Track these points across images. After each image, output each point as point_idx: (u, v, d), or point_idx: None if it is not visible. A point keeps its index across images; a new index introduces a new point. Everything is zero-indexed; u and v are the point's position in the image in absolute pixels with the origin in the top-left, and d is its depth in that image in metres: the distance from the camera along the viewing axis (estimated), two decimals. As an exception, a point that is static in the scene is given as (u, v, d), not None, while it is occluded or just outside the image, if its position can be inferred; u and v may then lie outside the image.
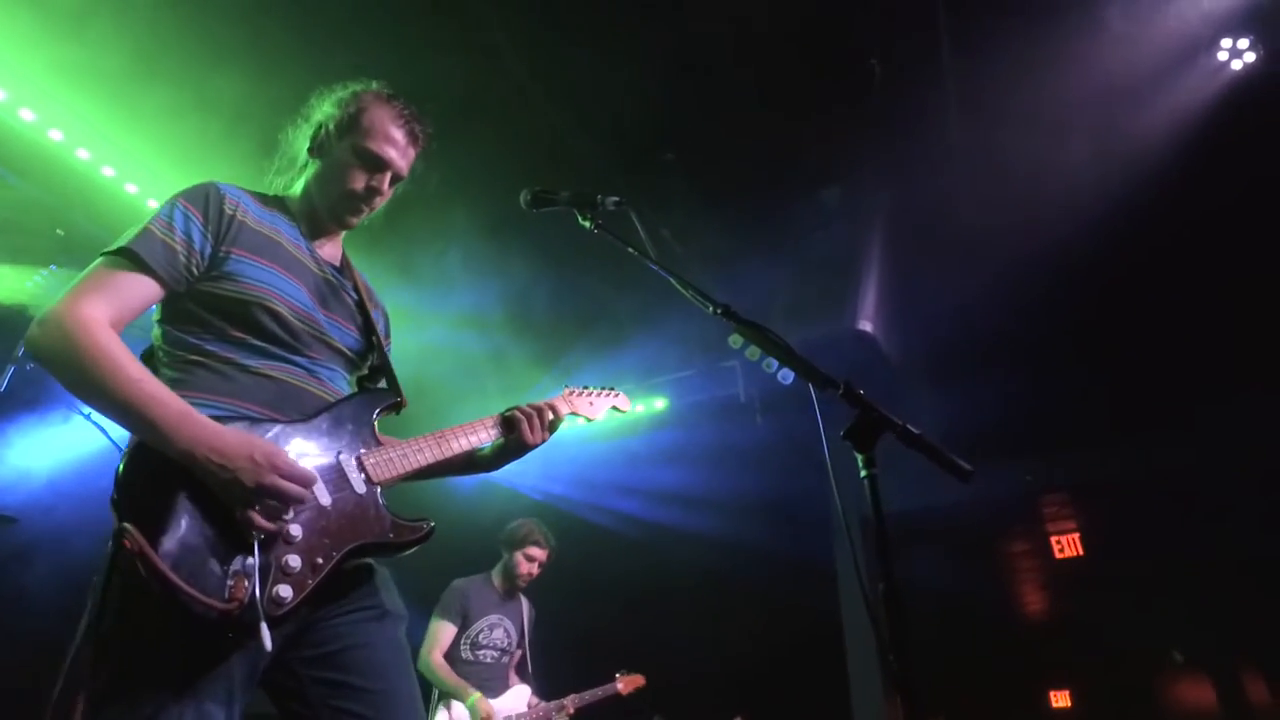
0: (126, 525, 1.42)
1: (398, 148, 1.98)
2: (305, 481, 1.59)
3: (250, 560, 1.50)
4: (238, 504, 1.52)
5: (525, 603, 4.65)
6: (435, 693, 4.21)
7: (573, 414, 2.34)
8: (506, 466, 2.17)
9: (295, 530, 1.61)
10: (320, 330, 1.86)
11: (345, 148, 1.94)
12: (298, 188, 2.03)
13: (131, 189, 4.93)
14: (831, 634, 5.96)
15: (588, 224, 2.13)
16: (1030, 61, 3.99)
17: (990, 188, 4.30)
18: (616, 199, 2.16)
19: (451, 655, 4.30)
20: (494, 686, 4.34)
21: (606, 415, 2.50)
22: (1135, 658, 8.53)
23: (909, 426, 1.57)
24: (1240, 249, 4.56)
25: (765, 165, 4.80)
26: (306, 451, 1.69)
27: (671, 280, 1.96)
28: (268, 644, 1.45)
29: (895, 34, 4.16)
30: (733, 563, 5.85)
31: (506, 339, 5.93)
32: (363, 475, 1.74)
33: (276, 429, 1.67)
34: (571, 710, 4.59)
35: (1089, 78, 3.95)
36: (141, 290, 1.67)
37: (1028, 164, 4.19)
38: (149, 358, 1.77)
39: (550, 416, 2.12)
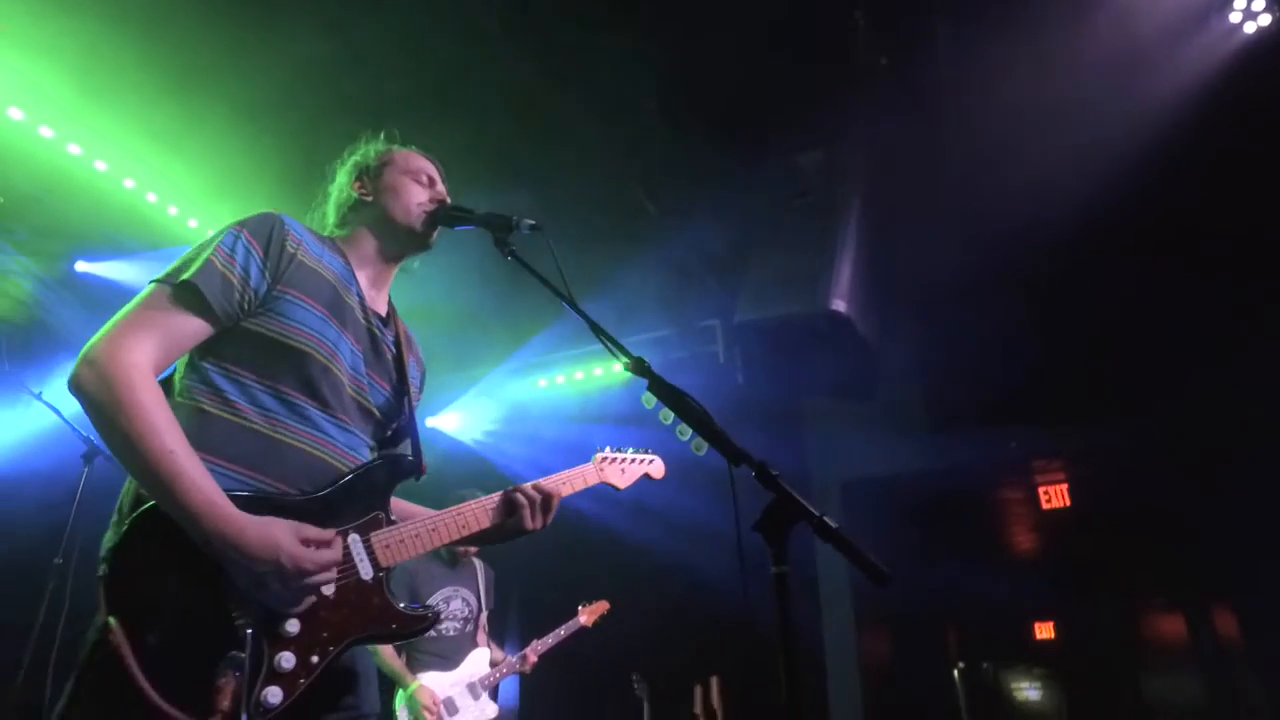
0: (111, 621, 1.35)
1: (434, 172, 2.10)
2: (331, 556, 1.55)
3: (240, 655, 1.41)
4: (257, 599, 1.47)
5: (480, 566, 4.53)
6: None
7: (602, 483, 2.26)
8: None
9: (292, 625, 1.51)
10: (361, 391, 1.81)
11: (392, 173, 2.02)
12: (346, 231, 2.01)
13: (74, 149, 4.68)
14: (810, 593, 5.97)
15: (500, 249, 1.94)
16: (1032, 20, 3.65)
17: (985, 151, 4.01)
18: (531, 223, 1.95)
19: None
20: (460, 658, 4.30)
21: (636, 483, 2.36)
22: (1115, 596, 8.77)
23: (826, 519, 1.41)
24: (1244, 214, 4.29)
25: (747, 125, 4.49)
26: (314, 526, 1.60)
27: (586, 322, 1.78)
28: None
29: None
30: (706, 525, 5.80)
31: (477, 299, 5.72)
32: (370, 560, 1.66)
33: (287, 504, 1.60)
34: (534, 659, 4.51)
35: (1097, 38, 3.61)
36: (193, 329, 1.61)
37: (1027, 127, 3.89)
38: (166, 384, 1.67)
39: (556, 501, 2.02)
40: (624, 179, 5.15)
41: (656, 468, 2.41)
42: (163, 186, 4.98)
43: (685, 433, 1.75)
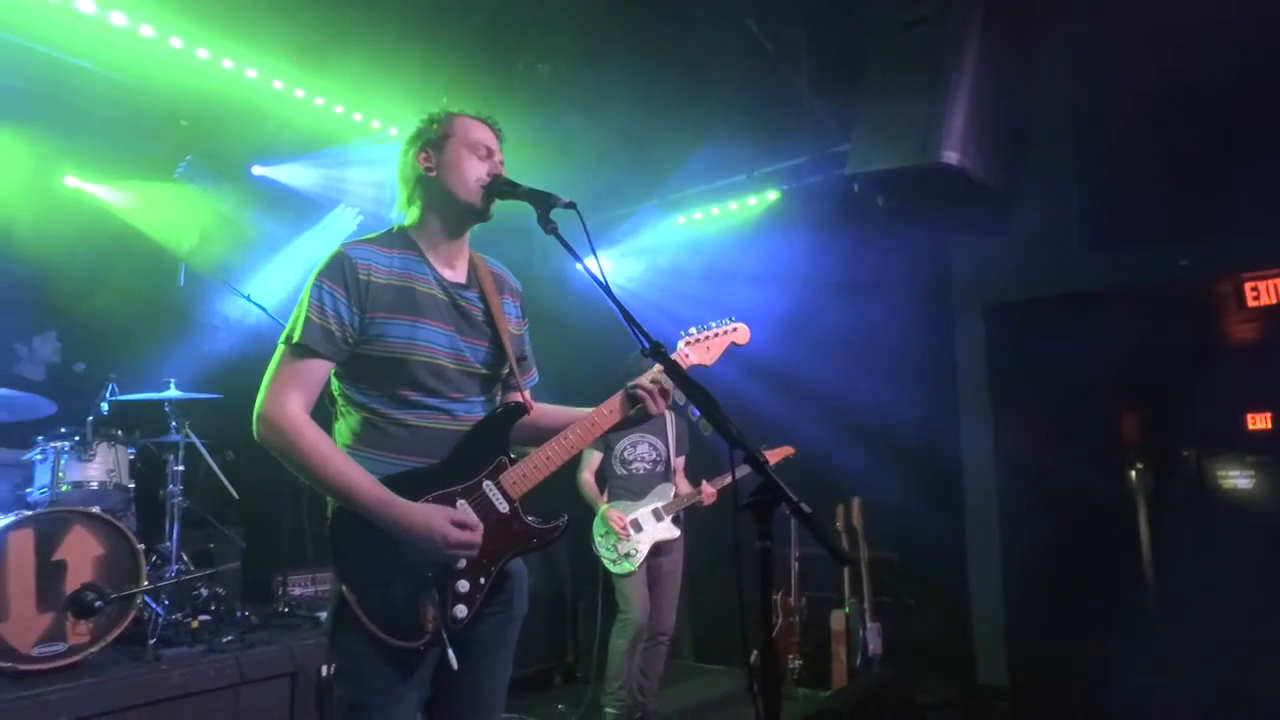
0: (344, 590, 1.99)
1: (492, 142, 2.28)
2: (473, 538, 2.04)
3: (434, 591, 2.02)
4: (429, 560, 2.02)
5: (671, 417, 4.93)
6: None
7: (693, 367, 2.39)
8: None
9: (461, 561, 2.08)
10: (465, 362, 2.22)
11: (453, 146, 2.22)
12: (413, 216, 2.30)
13: (228, 64, 5.14)
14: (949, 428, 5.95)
15: (543, 225, 2.12)
16: None
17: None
18: (567, 200, 2.11)
19: (607, 471, 4.97)
20: (646, 492, 4.91)
21: (723, 354, 2.48)
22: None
23: (802, 505, 1.61)
24: None
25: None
26: (457, 484, 2.11)
27: (615, 309, 1.95)
28: (454, 664, 1.97)
29: None
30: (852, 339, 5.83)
31: (595, 143, 5.77)
32: (504, 496, 2.16)
33: (430, 472, 2.09)
34: (710, 491, 4.89)
35: None
36: (320, 372, 2.10)
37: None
38: (332, 402, 2.25)
39: (671, 388, 2.26)
40: (737, 14, 4.84)
41: (740, 334, 2.48)
42: (316, 86, 5.36)
43: (693, 412, 1.94)
